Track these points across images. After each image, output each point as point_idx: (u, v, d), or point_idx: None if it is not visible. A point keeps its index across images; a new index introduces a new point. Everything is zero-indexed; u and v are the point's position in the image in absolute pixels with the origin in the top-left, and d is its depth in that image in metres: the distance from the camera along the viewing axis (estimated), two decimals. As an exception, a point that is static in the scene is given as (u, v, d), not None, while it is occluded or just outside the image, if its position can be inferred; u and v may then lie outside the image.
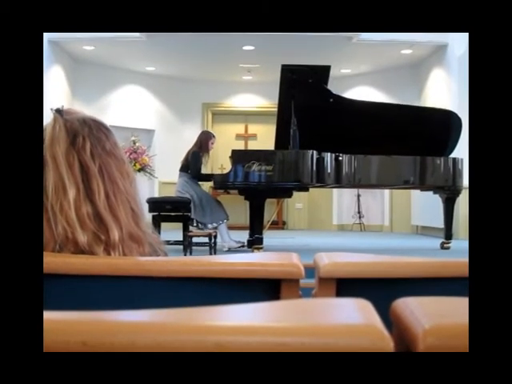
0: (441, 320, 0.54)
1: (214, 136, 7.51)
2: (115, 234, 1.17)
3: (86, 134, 1.21)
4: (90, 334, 0.50)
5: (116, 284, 1.06)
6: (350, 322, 0.52)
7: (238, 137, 12.90)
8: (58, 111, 1.23)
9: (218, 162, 12.00)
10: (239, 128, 12.96)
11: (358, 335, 0.50)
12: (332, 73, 7.13)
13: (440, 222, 7.88)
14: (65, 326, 0.52)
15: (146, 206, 6.55)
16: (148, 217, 6.28)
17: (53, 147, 1.18)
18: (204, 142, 7.28)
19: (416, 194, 9.97)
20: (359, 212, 11.86)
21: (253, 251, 6.40)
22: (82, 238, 1.15)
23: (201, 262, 1.09)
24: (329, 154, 6.51)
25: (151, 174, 8.61)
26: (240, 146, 12.27)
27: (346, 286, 1.09)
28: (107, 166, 1.21)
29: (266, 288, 1.06)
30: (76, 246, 1.15)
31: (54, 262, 1.06)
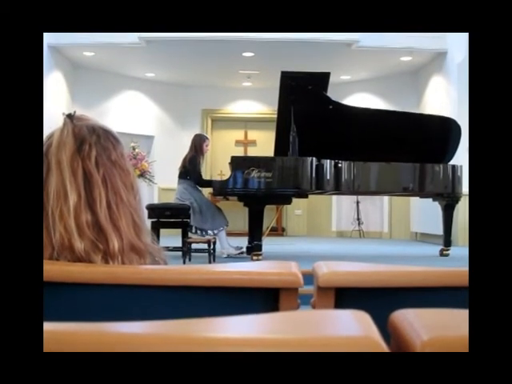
0: (439, 332, 0.54)
1: (207, 138, 7.51)
2: (115, 244, 1.16)
3: (93, 142, 1.21)
4: (88, 346, 0.50)
5: (114, 292, 1.06)
6: (348, 334, 0.52)
7: (238, 143, 12.90)
8: (69, 116, 1.23)
9: (218, 168, 12.00)
10: (239, 134, 12.96)
11: (355, 347, 0.49)
12: (331, 79, 7.14)
13: (439, 229, 7.88)
14: (64, 337, 0.52)
15: (145, 213, 6.54)
16: (147, 223, 6.27)
17: (59, 152, 1.18)
18: (199, 146, 7.26)
19: (415, 200, 9.97)
20: (358, 219, 11.86)
21: (252, 258, 6.40)
22: (79, 245, 1.14)
23: (200, 271, 1.09)
24: (328, 160, 6.52)
25: (150, 180, 8.59)
26: (239, 152, 12.28)
27: (345, 295, 1.09)
28: (111, 175, 1.21)
29: (265, 297, 1.06)
30: (72, 253, 1.15)
31: (52, 269, 1.05)
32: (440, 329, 0.54)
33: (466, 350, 0.51)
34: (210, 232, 6.94)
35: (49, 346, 0.50)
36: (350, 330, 0.53)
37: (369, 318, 0.56)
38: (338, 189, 6.72)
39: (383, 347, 0.49)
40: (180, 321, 0.55)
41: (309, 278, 1.18)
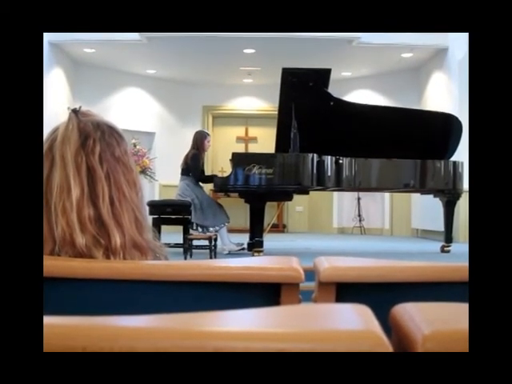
0: (440, 326, 0.54)
1: (208, 134, 7.55)
2: (117, 240, 1.17)
3: (98, 138, 1.21)
4: (89, 339, 0.50)
5: (116, 288, 1.06)
6: (349, 328, 0.52)
7: (239, 140, 12.90)
8: (74, 111, 1.23)
9: (219, 164, 12.00)
10: (240, 131, 12.96)
11: (356, 341, 0.50)
12: (332, 76, 7.14)
13: (440, 226, 7.88)
14: (65, 331, 0.52)
15: (146, 209, 6.53)
16: (148, 220, 6.27)
17: (63, 146, 1.18)
18: (200, 142, 7.29)
19: (416, 197, 9.96)
20: (359, 215, 11.86)
21: (253, 254, 6.40)
22: (81, 240, 1.15)
23: (201, 266, 1.09)
24: (329, 157, 6.52)
25: (152, 177, 8.59)
26: (240, 148, 12.28)
27: (346, 290, 1.09)
28: (114, 171, 1.21)
29: (266, 292, 1.06)
30: (73, 248, 1.15)
31: (53, 265, 1.05)
32: (441, 322, 0.55)
33: (467, 344, 0.51)
34: (211, 229, 6.95)
35: (49, 340, 0.51)
36: (352, 323, 0.53)
37: (370, 311, 0.56)
38: (339, 185, 6.72)
39: (384, 341, 0.50)
40: (182, 314, 0.55)
41: (310, 274, 1.18)
